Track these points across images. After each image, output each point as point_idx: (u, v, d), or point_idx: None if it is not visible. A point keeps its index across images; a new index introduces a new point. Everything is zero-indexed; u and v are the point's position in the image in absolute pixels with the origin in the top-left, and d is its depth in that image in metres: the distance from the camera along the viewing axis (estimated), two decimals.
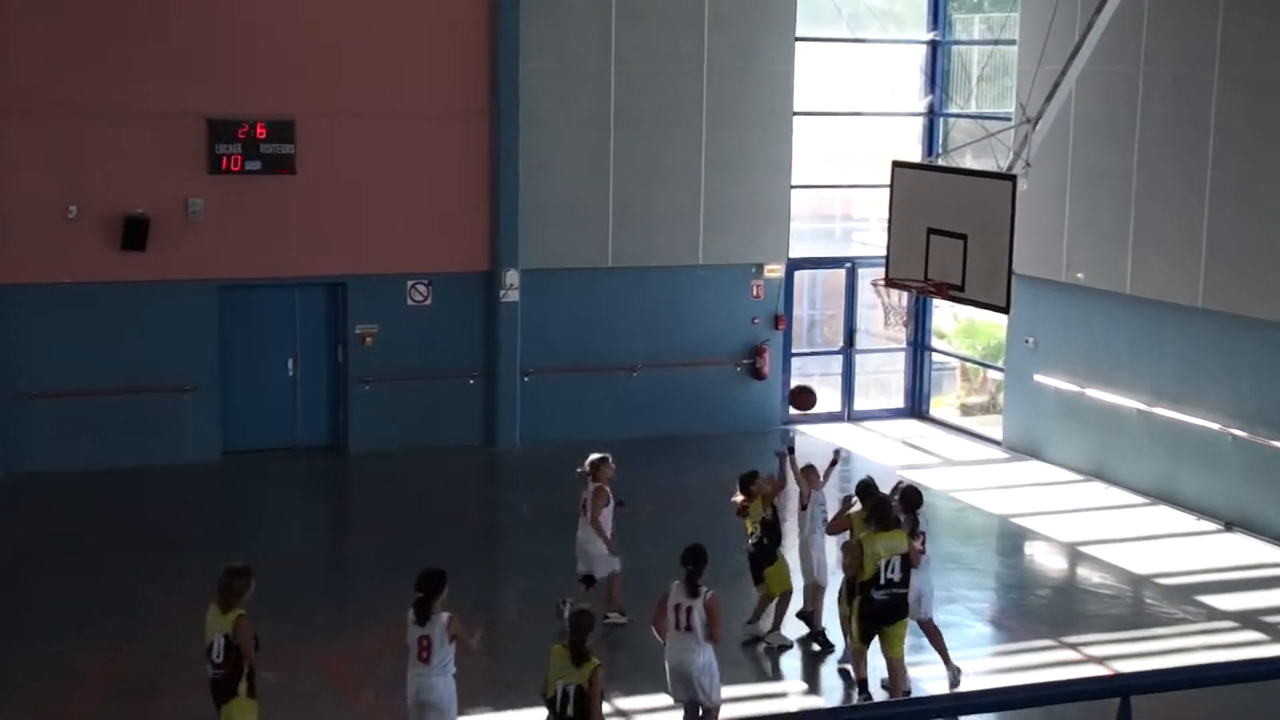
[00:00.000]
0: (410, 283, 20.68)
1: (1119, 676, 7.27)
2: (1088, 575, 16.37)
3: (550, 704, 10.03)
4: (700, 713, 11.38)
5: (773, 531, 13.96)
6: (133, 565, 15.80)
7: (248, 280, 19.98)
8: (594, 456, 14.48)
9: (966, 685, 12.79)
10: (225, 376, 20.02)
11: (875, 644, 12.41)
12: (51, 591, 15.01)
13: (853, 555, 12.38)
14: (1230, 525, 17.60)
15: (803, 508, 14.05)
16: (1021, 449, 20.97)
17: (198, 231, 19.53)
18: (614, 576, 14.19)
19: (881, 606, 12.13)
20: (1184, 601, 15.28)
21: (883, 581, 12.08)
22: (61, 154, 19.04)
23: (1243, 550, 16.96)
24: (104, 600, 14.74)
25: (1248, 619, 14.80)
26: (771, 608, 13.99)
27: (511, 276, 20.82)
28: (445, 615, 10.57)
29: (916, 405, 23.32)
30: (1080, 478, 19.71)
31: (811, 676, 13.53)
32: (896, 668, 12.38)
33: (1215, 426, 17.85)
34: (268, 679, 12.78)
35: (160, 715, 12.23)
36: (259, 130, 19.56)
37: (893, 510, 12.43)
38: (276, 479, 19.57)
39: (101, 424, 19.35)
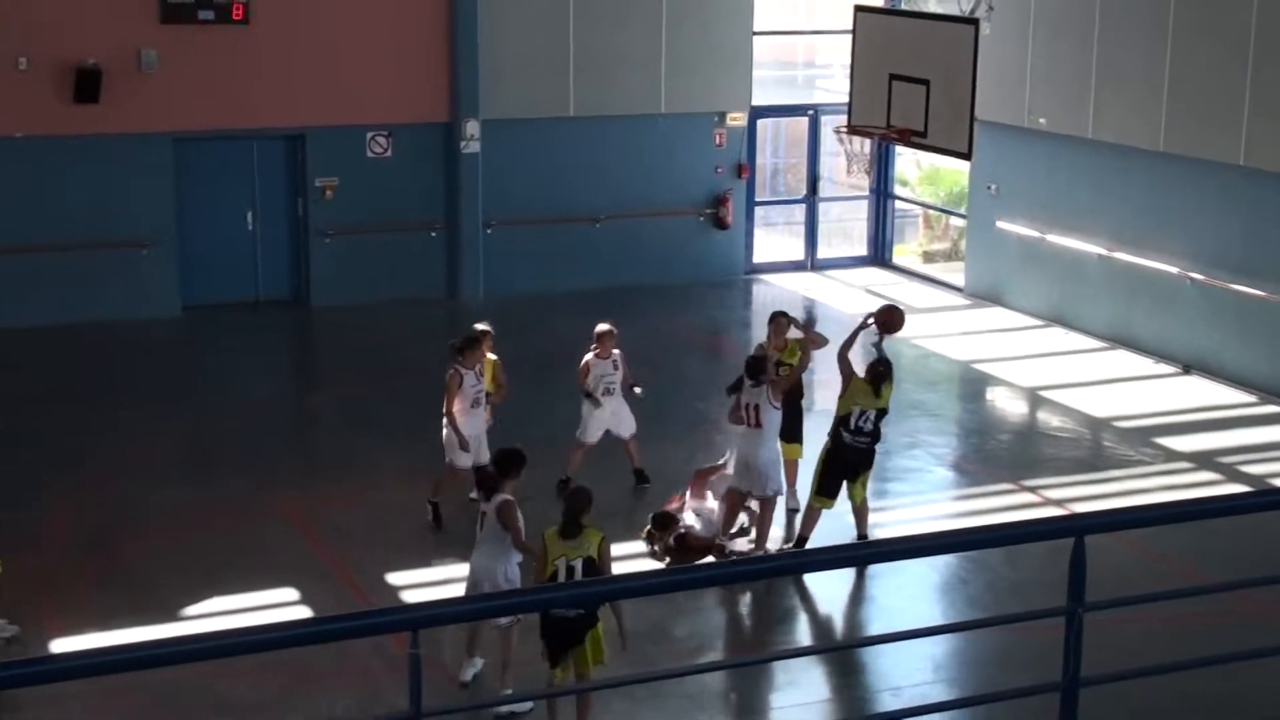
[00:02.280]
0: (370, 134, 20.45)
1: (1074, 517, 7.39)
2: (1047, 419, 16.56)
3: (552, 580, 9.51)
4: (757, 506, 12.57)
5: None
6: (94, 419, 15.77)
7: (204, 133, 19.71)
8: (602, 327, 14.00)
9: (931, 527, 12.97)
10: (184, 231, 19.84)
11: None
12: (10, 450, 14.98)
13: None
14: (1188, 368, 17.79)
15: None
16: (983, 295, 21.06)
17: (151, 83, 19.21)
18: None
19: (849, 451, 12.24)
20: (1142, 444, 15.49)
21: (853, 427, 12.18)
22: (9, 3, 18.62)
23: (1200, 392, 17.16)
24: (54, 450, 14.70)
25: (1204, 459, 15.02)
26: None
27: (472, 127, 20.60)
28: (500, 499, 10.14)
29: (879, 253, 23.33)
30: (1041, 323, 19.84)
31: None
32: (861, 511, 12.54)
33: (1174, 270, 17.94)
34: (233, 534, 12.89)
35: (121, 565, 12.31)
36: None
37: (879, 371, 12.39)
38: (239, 333, 19.51)
39: (58, 280, 19.18)
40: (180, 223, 19.78)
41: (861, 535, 12.41)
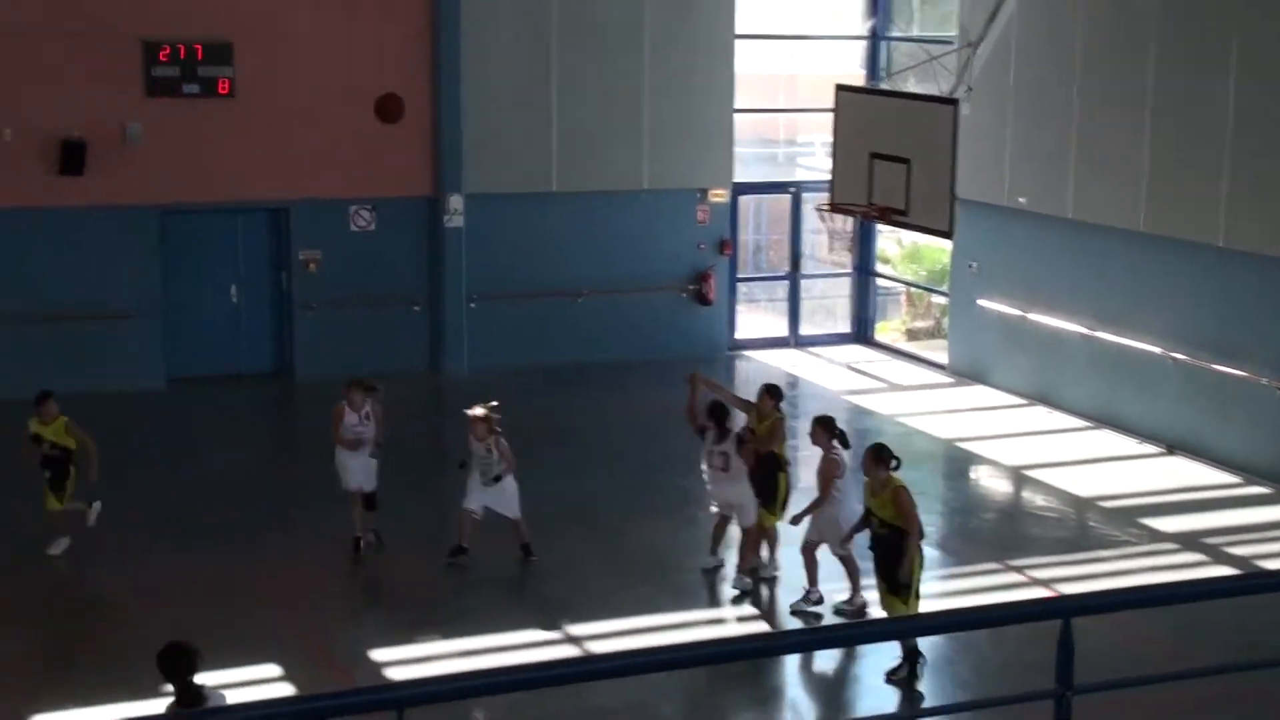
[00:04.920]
0: (353, 208, 20.51)
1: (1061, 598, 7.37)
2: (1032, 498, 16.57)
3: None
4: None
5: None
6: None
7: (189, 205, 19.75)
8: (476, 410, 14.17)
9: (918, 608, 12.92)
10: (168, 303, 19.83)
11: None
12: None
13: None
14: (1172, 448, 17.82)
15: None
16: (966, 373, 21.12)
17: (136, 155, 19.26)
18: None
19: None
20: (1127, 524, 15.49)
21: None
22: (1, 75, 18.69)
23: (1184, 473, 17.19)
24: (44, 527, 14.60)
25: (1189, 540, 15.02)
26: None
27: (455, 201, 20.69)
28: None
29: (862, 330, 23.42)
30: (1024, 402, 19.89)
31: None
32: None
33: (1157, 350, 18.02)
34: (214, 608, 12.79)
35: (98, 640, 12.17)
36: (196, 52, 19.28)
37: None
38: (223, 405, 19.45)
39: (43, 351, 19.11)
40: (165, 294, 19.77)
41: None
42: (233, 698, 10.80)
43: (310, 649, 12.12)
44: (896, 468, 11.67)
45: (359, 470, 14.08)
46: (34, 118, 18.81)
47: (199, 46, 19.26)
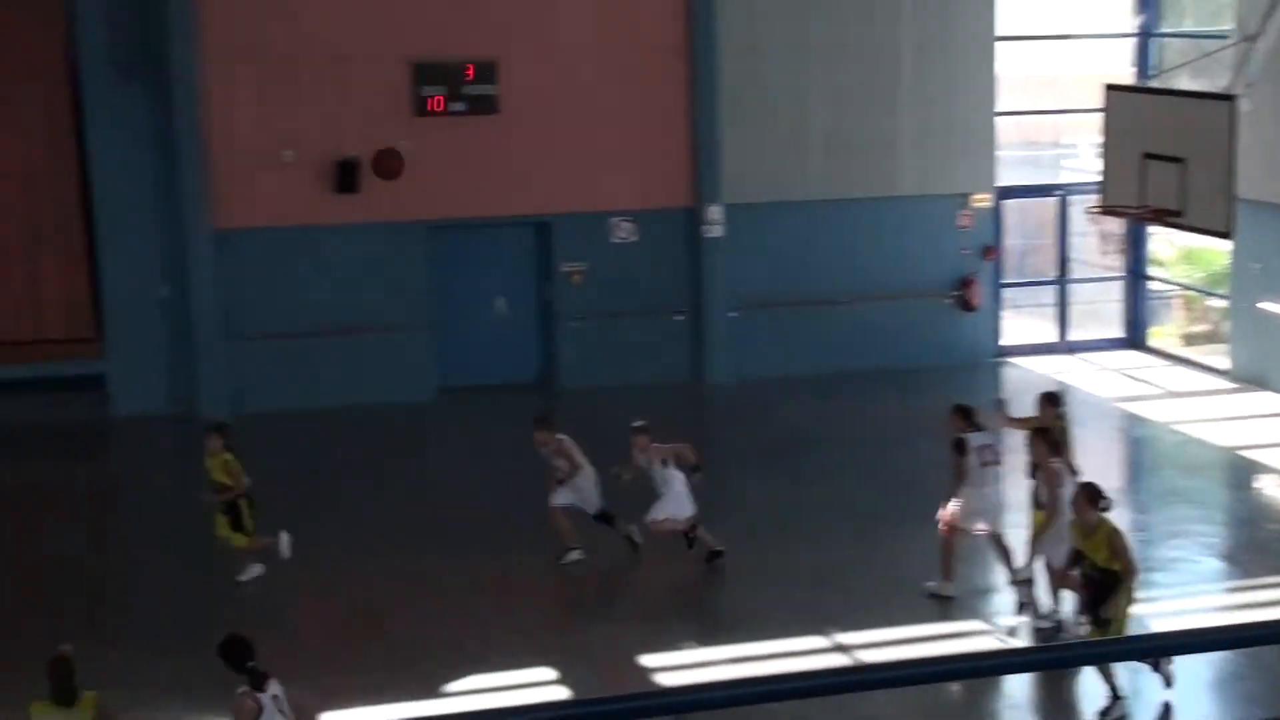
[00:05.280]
0: (614, 220, 20.76)
1: None
2: None
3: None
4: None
5: None
6: (368, 501, 16.16)
7: (456, 220, 20.27)
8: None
9: (1201, 620, 12.43)
10: (438, 316, 20.37)
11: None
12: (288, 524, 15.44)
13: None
14: None
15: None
16: (1249, 379, 20.22)
17: (407, 173, 19.83)
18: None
19: None
20: None
21: None
22: (277, 99, 19.47)
23: None
24: (314, 526, 15.09)
25: None
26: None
27: (714, 211, 20.75)
28: None
29: (1134, 335, 22.66)
30: None
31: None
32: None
33: None
34: (493, 612, 13.00)
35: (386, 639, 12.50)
36: (464, 72, 19.78)
37: None
38: (491, 414, 19.88)
39: (319, 364, 19.85)
40: (435, 307, 20.31)
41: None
42: (507, 700, 11.03)
43: (579, 654, 12.26)
44: (1106, 509, 11.21)
45: (579, 498, 14.19)
46: (312, 139, 19.55)
47: (468, 66, 19.75)
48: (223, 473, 13.28)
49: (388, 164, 18.85)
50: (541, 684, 11.64)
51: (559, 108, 20.24)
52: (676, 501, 13.85)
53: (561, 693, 11.45)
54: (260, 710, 9.04)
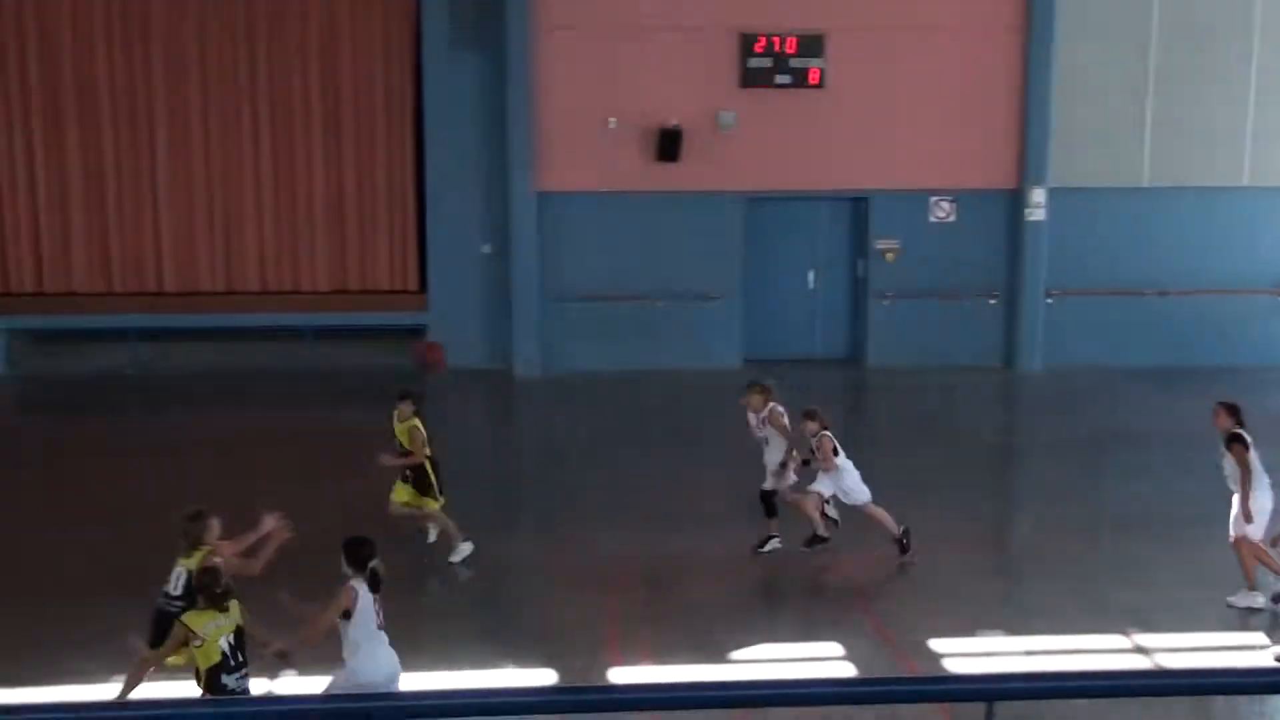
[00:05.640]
0: (934, 199, 20.47)
1: None
2: None
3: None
4: None
5: None
6: (654, 463, 16.42)
7: (774, 193, 20.31)
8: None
9: None
10: (749, 287, 20.49)
11: None
12: (582, 482, 15.82)
13: None
14: None
15: None
16: None
17: (728, 144, 19.97)
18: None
19: None
20: None
21: None
22: (604, 68, 19.86)
23: None
24: (617, 492, 15.38)
25: None
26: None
27: (1038, 195, 20.25)
28: None
29: None
30: None
31: None
32: None
33: None
34: (778, 584, 13.04)
35: (680, 604, 12.69)
36: (789, 44, 19.76)
37: None
38: (795, 389, 19.87)
39: (632, 327, 20.22)
40: (746, 278, 20.43)
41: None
42: (790, 674, 11.04)
43: (868, 633, 12.18)
44: None
45: (767, 470, 13.83)
46: (637, 108, 19.86)
47: (793, 39, 19.73)
48: (407, 439, 13.13)
49: (431, 356, 19.06)
50: (826, 659, 11.62)
51: (884, 83, 20.06)
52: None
53: (847, 669, 11.40)
54: (357, 598, 9.26)
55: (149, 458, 16.48)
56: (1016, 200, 20.33)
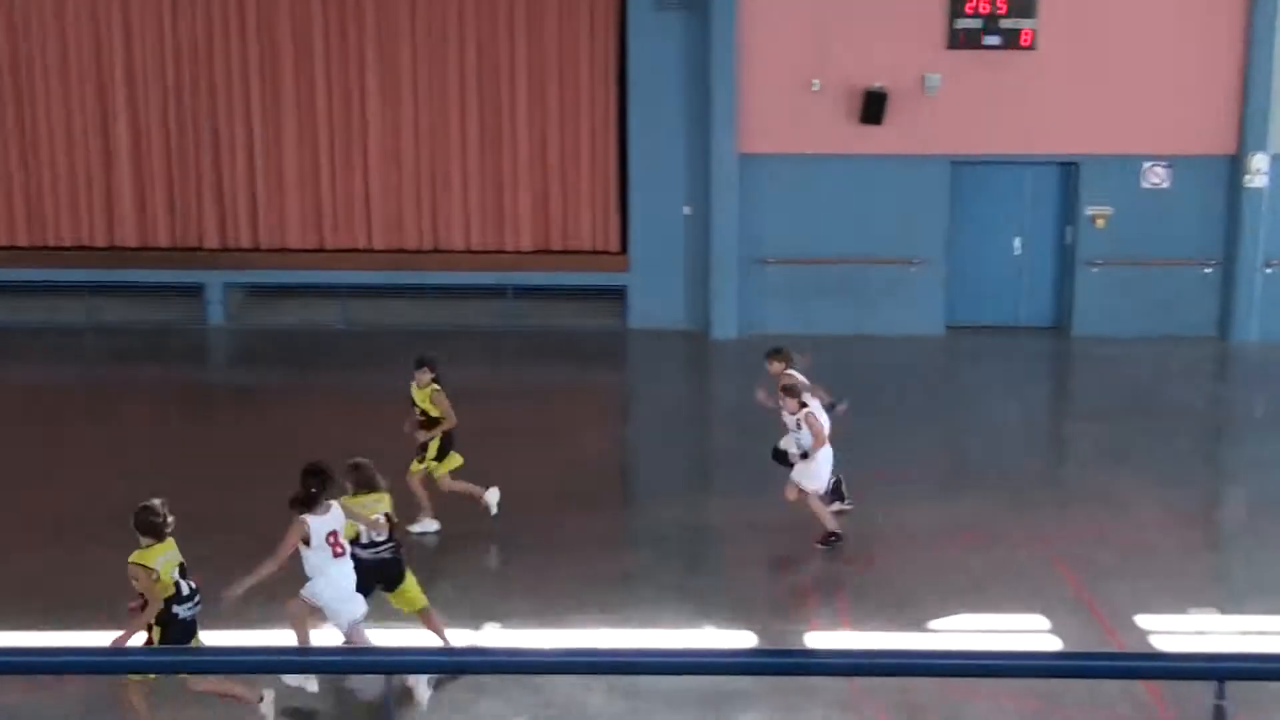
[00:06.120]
0: (1147, 164, 19.88)
1: None
2: None
3: None
4: None
5: None
6: (850, 430, 16.28)
7: (980, 157, 19.94)
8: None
9: None
10: (952, 252, 20.17)
11: None
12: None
13: None
14: None
15: None
16: None
17: (933, 106, 19.64)
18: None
19: None
20: None
21: None
22: (808, 29, 19.67)
23: None
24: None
25: None
26: None
27: (1259, 161, 19.52)
28: None
29: None
30: None
31: None
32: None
33: None
34: (985, 555, 12.86)
35: (877, 573, 12.60)
36: (1000, 4, 19.34)
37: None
38: (998, 356, 19.58)
39: (832, 291, 20.07)
40: (950, 243, 20.12)
41: None
42: (995, 644, 10.89)
43: (1080, 607, 11.94)
44: None
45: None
46: (842, 69, 19.65)
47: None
48: (428, 403, 12.90)
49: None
50: (1033, 631, 11.44)
51: (1096, 45, 19.51)
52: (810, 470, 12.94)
53: (1053, 643, 11.20)
54: (308, 528, 9.98)
55: (354, 408, 16.90)
56: (1235, 166, 19.63)
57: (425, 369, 12.94)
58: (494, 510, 13.22)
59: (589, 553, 12.75)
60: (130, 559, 9.46)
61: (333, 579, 10.12)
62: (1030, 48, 19.43)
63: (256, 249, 21.04)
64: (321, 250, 21.02)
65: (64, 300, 20.84)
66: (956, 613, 11.64)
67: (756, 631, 11.32)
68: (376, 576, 10.55)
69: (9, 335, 20.23)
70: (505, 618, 11.46)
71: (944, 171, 19.91)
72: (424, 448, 13.00)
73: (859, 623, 11.50)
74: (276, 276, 20.90)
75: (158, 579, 9.39)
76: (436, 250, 20.96)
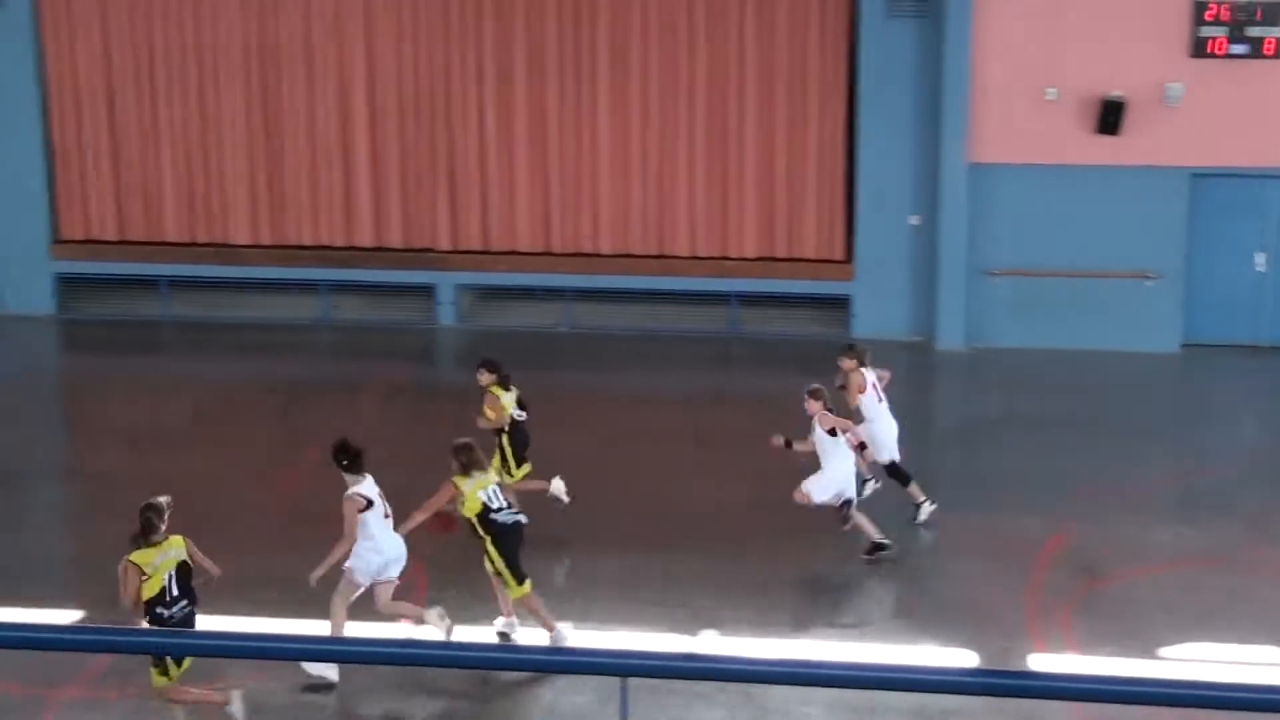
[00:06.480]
0: None
1: None
2: None
3: None
4: None
5: None
6: (1072, 446, 15.91)
7: (1220, 169, 19.28)
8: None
9: None
10: (1190, 267, 19.55)
11: None
12: (996, 463, 15.50)
13: None
14: None
15: None
16: None
17: (1173, 116, 19.06)
18: None
19: None
20: None
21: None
22: (1046, 36, 19.26)
23: None
24: (1043, 475, 14.95)
25: None
26: None
27: None
28: None
29: None
30: None
31: None
32: None
33: None
34: (1224, 581, 12.42)
35: (1108, 594, 12.28)
36: (1248, 11, 18.67)
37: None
38: (1237, 376, 18.90)
39: (1062, 304, 19.62)
40: (1188, 259, 19.50)
41: None
42: (1236, 676, 10.51)
43: None
44: None
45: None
46: (1078, 77, 19.19)
47: (1257, 9, 18.64)
48: (485, 408, 13.01)
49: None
50: (1269, 664, 11.01)
51: None
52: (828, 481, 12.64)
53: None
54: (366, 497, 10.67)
55: (575, 408, 17.12)
56: None
57: (483, 370, 13.19)
58: (564, 500, 13.37)
59: (805, 560, 12.71)
60: (129, 557, 9.66)
61: (388, 535, 10.82)
62: (1275, 56, 18.72)
63: (487, 251, 21.44)
64: (549, 254, 21.33)
65: (303, 299, 21.55)
66: (1190, 640, 11.29)
67: (976, 649, 11.15)
68: (518, 538, 11.02)
69: (251, 330, 20.97)
70: (722, 625, 11.49)
71: (1183, 183, 19.30)
72: (503, 458, 13.05)
73: (1085, 645, 11.22)
74: (505, 279, 21.27)
75: (147, 579, 9.63)
76: (661, 255, 21.09)
